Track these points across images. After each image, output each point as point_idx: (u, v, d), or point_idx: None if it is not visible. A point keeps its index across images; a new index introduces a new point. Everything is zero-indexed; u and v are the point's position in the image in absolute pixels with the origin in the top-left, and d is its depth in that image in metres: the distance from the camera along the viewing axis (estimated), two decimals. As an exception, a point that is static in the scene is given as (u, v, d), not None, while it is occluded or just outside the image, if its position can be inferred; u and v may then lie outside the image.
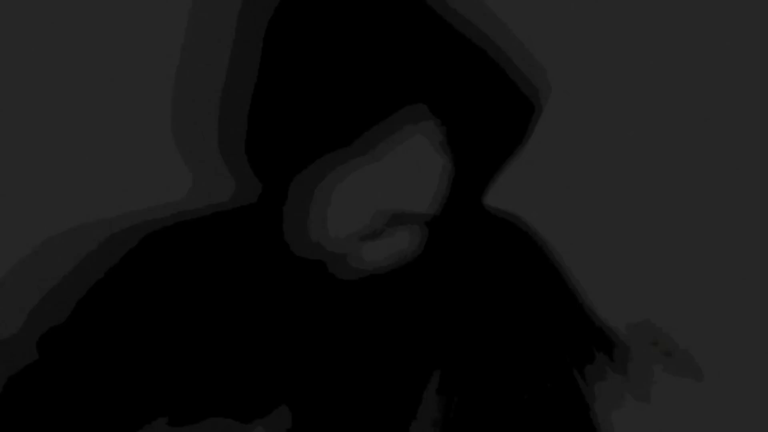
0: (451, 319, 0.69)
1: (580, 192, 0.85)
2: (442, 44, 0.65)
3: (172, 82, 0.80)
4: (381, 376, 0.67)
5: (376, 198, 0.64)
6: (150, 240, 0.74)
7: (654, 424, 0.71)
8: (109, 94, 0.80)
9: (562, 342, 0.71)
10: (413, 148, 0.64)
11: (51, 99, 0.80)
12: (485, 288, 0.71)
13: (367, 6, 0.64)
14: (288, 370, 0.67)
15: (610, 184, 0.85)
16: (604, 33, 0.83)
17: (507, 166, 0.72)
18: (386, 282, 0.68)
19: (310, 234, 0.64)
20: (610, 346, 0.73)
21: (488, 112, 0.67)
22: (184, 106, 0.80)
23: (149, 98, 0.80)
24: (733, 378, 0.79)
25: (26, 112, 0.80)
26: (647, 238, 0.85)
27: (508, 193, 0.76)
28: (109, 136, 0.80)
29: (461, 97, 0.65)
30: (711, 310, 0.84)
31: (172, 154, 0.80)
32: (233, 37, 0.77)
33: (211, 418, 0.64)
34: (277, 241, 0.67)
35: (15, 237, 0.79)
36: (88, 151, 0.80)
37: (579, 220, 0.83)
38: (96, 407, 0.65)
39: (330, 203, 0.64)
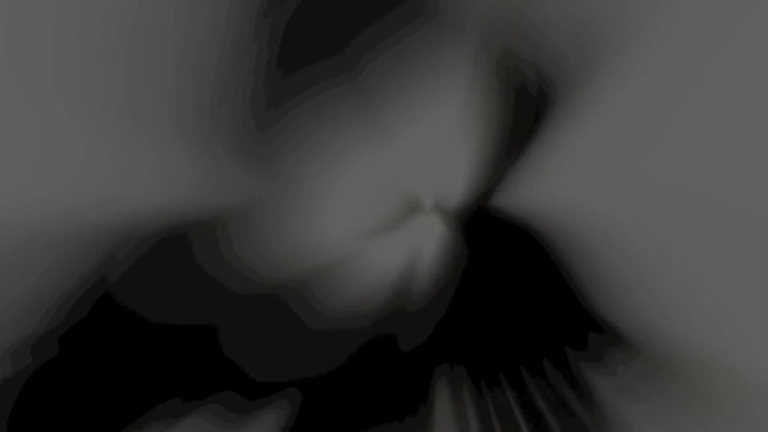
0: (460, 318, 0.69)
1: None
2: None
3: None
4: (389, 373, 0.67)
5: (384, 184, 0.62)
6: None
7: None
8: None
9: (560, 335, 0.71)
10: (429, 126, 0.62)
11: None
12: (492, 286, 0.70)
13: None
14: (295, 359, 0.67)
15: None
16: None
17: (524, 156, 0.71)
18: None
19: (303, 233, 0.62)
20: (607, 336, 0.73)
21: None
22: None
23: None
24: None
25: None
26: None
27: (519, 187, 0.75)
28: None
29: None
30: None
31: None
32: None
33: (218, 393, 0.64)
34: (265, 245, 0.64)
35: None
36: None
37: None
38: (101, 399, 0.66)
39: (327, 194, 0.61)
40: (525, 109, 0.68)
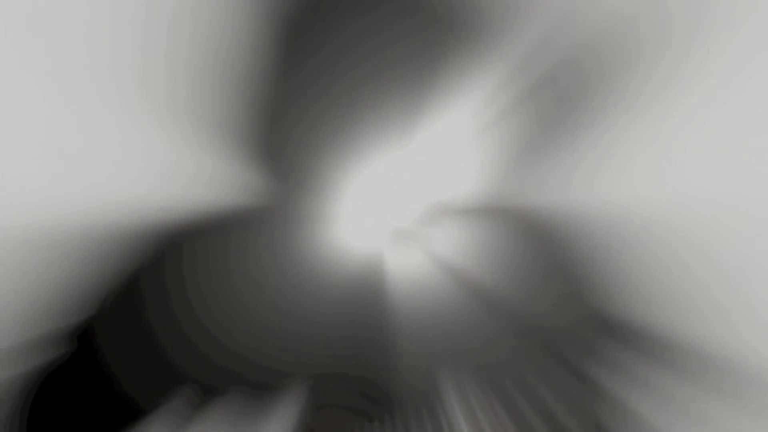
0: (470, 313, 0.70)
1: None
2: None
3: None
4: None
5: (404, 186, 0.62)
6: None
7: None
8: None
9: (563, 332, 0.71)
10: (450, 131, 0.60)
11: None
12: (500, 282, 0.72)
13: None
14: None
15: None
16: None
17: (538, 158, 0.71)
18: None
19: (325, 236, 0.60)
20: (616, 337, 0.73)
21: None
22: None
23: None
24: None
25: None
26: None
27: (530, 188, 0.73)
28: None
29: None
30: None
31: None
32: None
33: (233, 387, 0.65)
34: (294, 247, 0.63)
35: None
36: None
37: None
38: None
39: (346, 196, 0.59)
40: (550, 113, 0.68)
